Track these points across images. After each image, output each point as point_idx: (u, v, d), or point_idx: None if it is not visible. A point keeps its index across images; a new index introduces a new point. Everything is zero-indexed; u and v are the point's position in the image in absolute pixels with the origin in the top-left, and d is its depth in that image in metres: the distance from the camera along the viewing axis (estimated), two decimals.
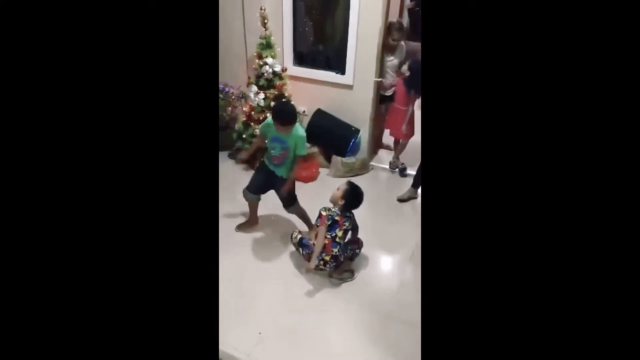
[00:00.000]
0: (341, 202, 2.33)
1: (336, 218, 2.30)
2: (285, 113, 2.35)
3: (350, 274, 2.45)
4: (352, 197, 2.34)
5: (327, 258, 2.31)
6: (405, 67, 3.38)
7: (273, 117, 2.37)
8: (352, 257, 2.48)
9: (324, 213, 2.31)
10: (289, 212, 2.70)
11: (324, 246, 2.30)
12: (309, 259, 2.35)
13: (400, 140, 3.69)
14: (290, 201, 2.65)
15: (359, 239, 2.50)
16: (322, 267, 2.36)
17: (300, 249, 2.45)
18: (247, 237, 2.80)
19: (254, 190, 2.70)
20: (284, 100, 2.45)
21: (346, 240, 2.39)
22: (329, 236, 2.29)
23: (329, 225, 2.30)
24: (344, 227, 2.32)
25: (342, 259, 2.37)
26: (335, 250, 2.30)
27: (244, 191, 2.71)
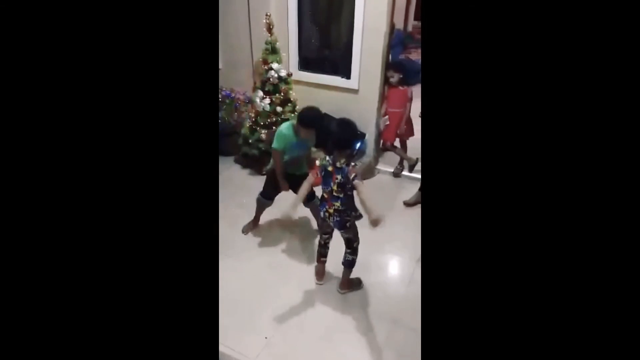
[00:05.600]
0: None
1: (329, 169, 2.13)
2: (316, 119, 2.39)
3: (358, 284, 2.43)
4: (335, 129, 2.12)
5: (331, 211, 2.19)
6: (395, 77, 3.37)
7: (302, 125, 2.37)
8: (351, 264, 2.37)
9: (317, 163, 2.22)
10: (307, 206, 2.73)
11: (326, 200, 2.19)
12: (316, 215, 2.27)
13: (399, 143, 3.68)
14: (310, 197, 2.66)
15: (355, 243, 2.32)
16: (327, 220, 2.24)
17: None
18: (255, 242, 2.81)
19: (269, 196, 2.74)
20: (308, 107, 2.46)
21: (343, 197, 2.16)
22: (327, 190, 2.18)
23: (323, 178, 2.18)
24: (337, 180, 2.11)
25: (347, 218, 2.20)
26: (337, 204, 2.15)
27: (258, 198, 2.77)
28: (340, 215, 2.19)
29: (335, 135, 2.10)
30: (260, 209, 2.85)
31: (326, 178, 2.16)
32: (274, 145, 2.46)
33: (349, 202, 2.18)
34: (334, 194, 2.15)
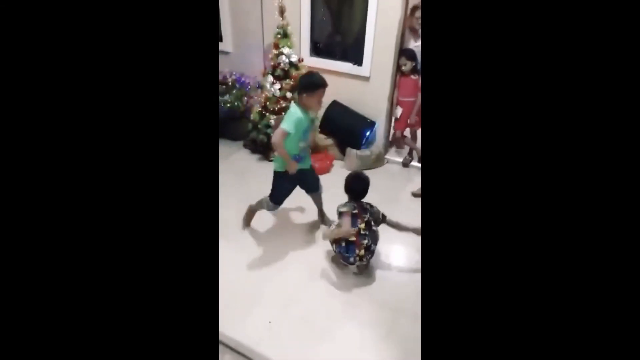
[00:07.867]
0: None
1: (354, 212, 2.33)
2: (316, 79, 2.30)
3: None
4: (349, 184, 2.41)
5: (362, 252, 2.31)
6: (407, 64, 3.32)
7: (306, 90, 2.26)
8: (373, 253, 2.43)
9: (343, 209, 2.34)
10: (311, 195, 2.71)
11: (354, 242, 2.30)
12: (342, 259, 2.40)
13: (409, 133, 3.64)
14: (316, 185, 2.65)
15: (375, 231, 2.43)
16: (360, 262, 2.34)
17: (334, 246, 2.41)
18: (260, 227, 2.81)
19: (278, 201, 2.58)
20: (305, 73, 2.43)
21: (372, 230, 2.38)
22: (354, 232, 2.29)
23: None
24: (365, 219, 2.33)
25: (373, 249, 2.39)
26: (365, 242, 2.31)
27: (264, 202, 2.60)
28: (370, 251, 2.37)
29: (351, 188, 2.39)
30: (256, 210, 2.73)
31: (353, 220, 2.33)
32: (287, 127, 2.20)
33: (373, 235, 2.38)
34: (362, 232, 2.32)
